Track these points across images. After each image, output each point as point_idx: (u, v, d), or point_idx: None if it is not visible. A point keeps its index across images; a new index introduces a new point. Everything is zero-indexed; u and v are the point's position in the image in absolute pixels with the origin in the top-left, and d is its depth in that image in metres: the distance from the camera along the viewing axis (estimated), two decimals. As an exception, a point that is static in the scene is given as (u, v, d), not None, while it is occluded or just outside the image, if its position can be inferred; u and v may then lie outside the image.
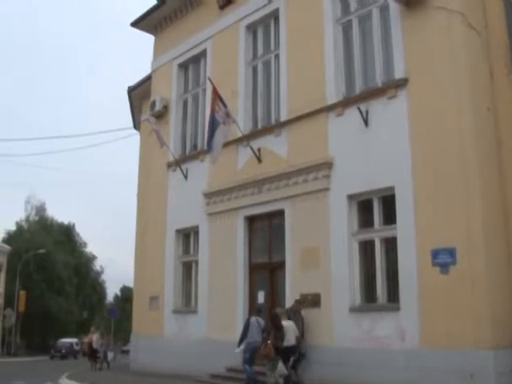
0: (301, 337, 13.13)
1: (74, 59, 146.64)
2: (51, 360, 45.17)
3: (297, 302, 13.66)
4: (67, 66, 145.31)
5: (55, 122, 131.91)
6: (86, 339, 30.85)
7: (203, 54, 18.78)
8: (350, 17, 14.34)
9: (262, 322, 13.91)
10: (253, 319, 13.92)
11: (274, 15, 16.41)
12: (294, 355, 12.94)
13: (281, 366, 12.51)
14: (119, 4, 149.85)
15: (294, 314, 13.34)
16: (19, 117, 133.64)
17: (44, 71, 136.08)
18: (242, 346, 13.56)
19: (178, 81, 19.77)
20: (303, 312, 13.53)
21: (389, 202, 12.63)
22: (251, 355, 13.52)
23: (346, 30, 14.47)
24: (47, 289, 64.81)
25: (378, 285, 12.64)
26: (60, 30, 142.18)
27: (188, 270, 18.21)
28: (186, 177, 18.23)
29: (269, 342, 12.75)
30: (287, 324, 13.06)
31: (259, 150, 15.62)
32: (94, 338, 26.48)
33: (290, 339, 12.87)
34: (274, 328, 12.91)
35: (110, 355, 27.42)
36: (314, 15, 14.88)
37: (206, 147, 15.99)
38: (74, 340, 52.86)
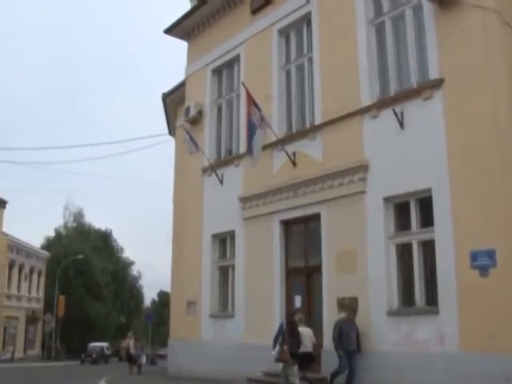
0: (357, 347, 12.85)
1: (110, 66, 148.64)
2: (82, 365, 45.03)
3: (350, 311, 13.16)
4: (104, 73, 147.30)
5: (93, 129, 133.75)
6: (124, 344, 31.17)
7: (236, 59, 18.85)
8: (383, 18, 14.23)
9: (310, 332, 13.93)
10: (304, 330, 13.77)
11: (306, 19, 16.38)
12: (312, 361, 13.36)
13: (295, 370, 12.67)
14: (152, 11, 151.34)
15: (348, 323, 12.94)
16: (58, 124, 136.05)
17: (81, 79, 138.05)
18: (277, 349, 13.57)
19: (212, 86, 19.86)
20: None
21: (426, 204, 12.49)
22: None
23: (379, 31, 14.36)
24: (86, 294, 65.61)
25: (416, 288, 12.49)
26: (95, 37, 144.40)
27: (225, 274, 18.24)
28: (221, 182, 18.29)
29: (285, 347, 12.75)
30: (304, 331, 13.35)
31: (294, 153, 15.59)
32: (131, 343, 26.82)
33: (307, 345, 13.20)
34: (290, 334, 12.98)
35: (142, 359, 27.76)
36: (347, 17, 14.82)
37: (246, 150, 16.02)
38: (104, 344, 52.93)
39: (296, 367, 12.68)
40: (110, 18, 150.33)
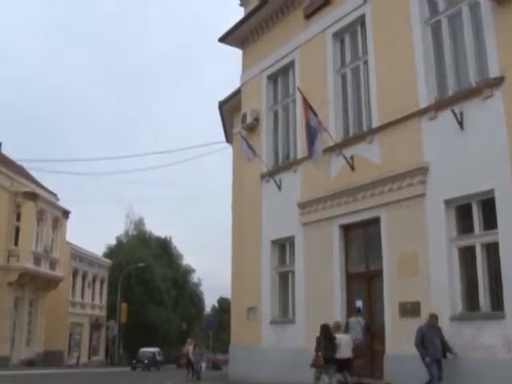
0: (443, 353, 12.28)
1: (166, 74, 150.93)
2: (133, 371, 44.57)
3: (432, 316, 12.54)
4: (160, 82, 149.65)
5: (151, 139, 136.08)
6: (184, 351, 31.54)
7: (291, 64, 18.86)
8: (439, 17, 14.00)
9: (362, 321, 14.33)
10: (352, 319, 14.41)
11: (361, 21, 16.26)
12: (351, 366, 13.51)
13: (333, 375, 13.12)
14: (206, 19, 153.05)
15: (430, 329, 12.36)
16: (119, 135, 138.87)
17: (138, 89, 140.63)
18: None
19: (268, 92, 19.92)
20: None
21: (488, 206, 12.19)
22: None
23: (435, 30, 14.12)
24: (147, 301, 66.58)
25: (481, 292, 12.18)
26: (150, 48, 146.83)
27: (285, 280, 18.23)
28: (279, 187, 18.31)
29: (319, 353, 13.43)
30: (341, 337, 13.61)
31: (352, 157, 15.48)
32: (191, 348, 27.08)
33: (344, 351, 13.40)
34: (325, 339, 13.51)
35: (202, 365, 27.96)
36: (402, 17, 14.63)
37: (307, 154, 15.91)
38: (156, 349, 51.91)
39: (332, 372, 13.11)
40: (164, 27, 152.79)
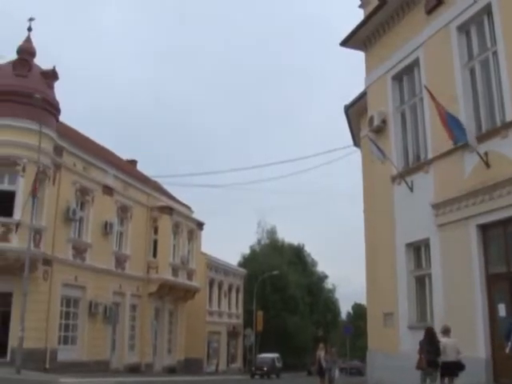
0: None
1: (289, 82, 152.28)
2: (252, 379, 43.70)
3: None
4: (280, 91, 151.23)
5: (275, 147, 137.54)
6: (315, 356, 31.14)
7: (416, 62, 18.39)
8: None
9: None
10: None
11: (487, 11, 15.53)
12: (459, 371, 13.18)
13: (435, 378, 13.26)
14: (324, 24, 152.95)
15: None
16: (242, 146, 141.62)
17: (262, 100, 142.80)
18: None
19: (394, 93, 19.54)
20: None
21: None
22: None
23: None
24: (282, 308, 67.21)
25: None
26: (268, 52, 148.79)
27: (421, 284, 17.71)
28: (411, 189, 17.86)
29: (422, 355, 13.63)
30: (447, 341, 13.39)
31: (486, 154, 14.79)
32: (322, 354, 26.45)
33: (449, 355, 13.19)
34: (428, 342, 13.55)
35: (335, 372, 27.51)
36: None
37: (453, 142, 15.38)
38: (275, 355, 50.48)
39: (435, 375, 13.21)
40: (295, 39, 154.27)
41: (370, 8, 20.42)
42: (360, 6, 22.08)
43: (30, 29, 32.59)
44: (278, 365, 48.70)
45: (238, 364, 60.25)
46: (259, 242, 79.35)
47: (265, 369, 45.10)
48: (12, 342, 28.06)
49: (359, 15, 21.66)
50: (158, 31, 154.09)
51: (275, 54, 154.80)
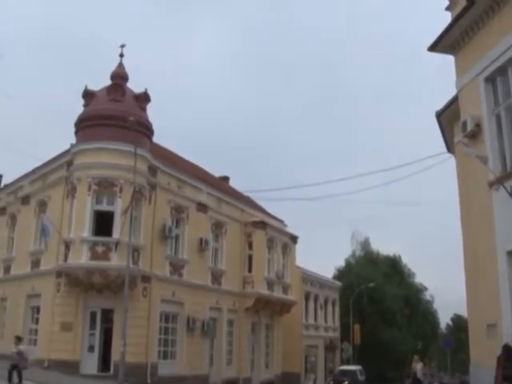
0: None
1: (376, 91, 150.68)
2: None
3: None
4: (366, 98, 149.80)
5: (364, 156, 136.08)
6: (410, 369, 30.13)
7: (509, 62, 17.70)
8: None
9: None
10: None
11: None
12: None
13: None
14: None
15: None
16: (338, 156, 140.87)
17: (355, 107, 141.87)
18: None
19: (487, 96, 18.86)
20: None
21: None
22: None
23: None
24: (380, 321, 66.19)
25: None
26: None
27: (525, 293, 16.94)
28: (510, 194, 17.17)
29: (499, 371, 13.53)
30: None
31: None
32: (419, 367, 25.56)
33: None
34: (505, 359, 13.71)
35: None
36: None
37: None
38: (357, 367, 46.61)
39: None
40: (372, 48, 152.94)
41: (458, 9, 19.87)
42: (447, 9, 21.55)
43: (121, 55, 33.99)
44: (361, 378, 44.40)
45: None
46: (353, 253, 78.61)
47: (346, 382, 40.90)
48: (114, 356, 29.04)
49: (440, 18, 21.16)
50: (247, 44, 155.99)
51: (365, 66, 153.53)
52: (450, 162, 25.15)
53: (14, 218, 40.66)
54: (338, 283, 63.91)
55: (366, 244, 79.14)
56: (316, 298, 57.64)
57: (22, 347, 23.11)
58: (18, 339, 23.74)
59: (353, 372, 43.36)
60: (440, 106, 23.01)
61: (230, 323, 41.33)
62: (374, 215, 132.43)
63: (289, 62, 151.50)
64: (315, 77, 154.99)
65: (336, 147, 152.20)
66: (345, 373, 43.32)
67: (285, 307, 46.87)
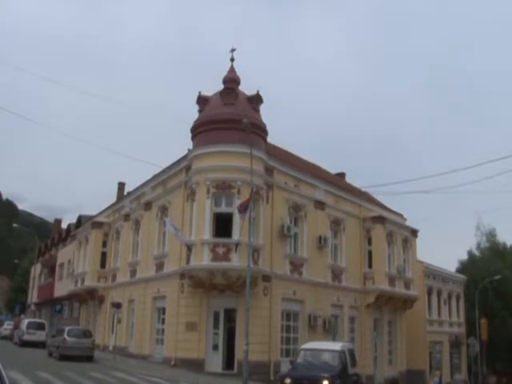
0: None
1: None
2: None
3: None
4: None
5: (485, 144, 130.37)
6: None
7: None
8: None
9: None
10: None
11: None
12: None
13: None
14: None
15: None
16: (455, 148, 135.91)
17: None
18: None
19: None
20: None
21: None
22: None
23: None
24: (508, 315, 63.44)
25: None
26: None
27: None
28: None
29: None
30: None
31: None
32: None
33: None
34: None
35: None
36: None
37: None
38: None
39: None
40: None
41: None
42: None
43: (232, 59, 34.41)
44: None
45: (463, 375, 57.68)
46: (478, 245, 75.81)
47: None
48: (238, 355, 29.66)
49: None
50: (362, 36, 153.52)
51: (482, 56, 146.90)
52: None
53: (137, 223, 42.46)
54: (463, 277, 61.68)
55: (491, 235, 76.22)
56: (439, 293, 55.92)
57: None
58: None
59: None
60: None
61: (352, 320, 40.86)
62: (500, 206, 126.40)
63: (410, 50, 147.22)
64: (441, 66, 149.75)
65: (458, 138, 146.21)
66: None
67: (407, 303, 45.84)
